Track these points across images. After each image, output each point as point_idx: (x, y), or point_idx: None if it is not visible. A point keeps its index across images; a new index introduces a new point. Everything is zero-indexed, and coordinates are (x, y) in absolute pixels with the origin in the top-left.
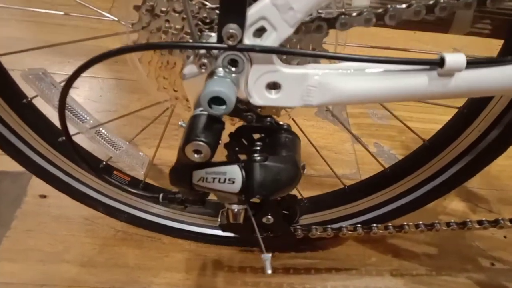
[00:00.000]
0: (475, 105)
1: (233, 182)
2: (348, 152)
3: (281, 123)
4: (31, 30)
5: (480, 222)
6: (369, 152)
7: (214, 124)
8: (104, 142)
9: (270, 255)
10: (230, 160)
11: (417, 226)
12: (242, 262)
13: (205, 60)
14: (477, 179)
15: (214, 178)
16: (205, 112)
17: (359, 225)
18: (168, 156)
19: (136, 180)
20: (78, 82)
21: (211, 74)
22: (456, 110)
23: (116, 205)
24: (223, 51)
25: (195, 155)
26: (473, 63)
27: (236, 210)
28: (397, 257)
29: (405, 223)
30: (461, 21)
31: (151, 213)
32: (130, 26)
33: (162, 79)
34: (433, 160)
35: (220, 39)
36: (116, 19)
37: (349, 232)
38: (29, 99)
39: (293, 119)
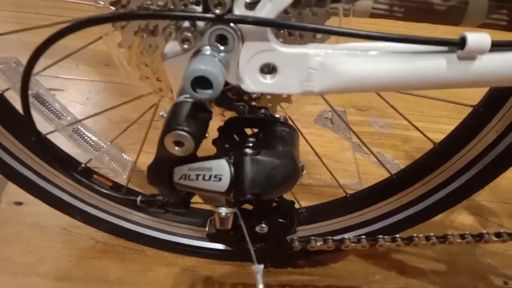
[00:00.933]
0: (492, 102)
1: (220, 180)
2: (349, 161)
3: (277, 115)
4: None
5: (498, 235)
6: (376, 157)
7: (200, 112)
8: (83, 141)
9: (262, 266)
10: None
11: (427, 238)
12: (234, 278)
13: (188, 34)
14: (486, 192)
15: (197, 175)
16: (190, 99)
17: (363, 237)
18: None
19: (118, 185)
20: (65, 84)
21: (196, 53)
22: (471, 109)
23: (96, 212)
24: (210, 24)
25: (176, 148)
26: (499, 45)
27: (223, 214)
28: (403, 274)
29: (415, 234)
30: (475, 11)
31: (134, 222)
32: (108, 6)
33: (144, 66)
34: (445, 165)
35: (206, 8)
36: (92, 3)
37: (353, 244)
38: (0, 92)
39: (289, 117)
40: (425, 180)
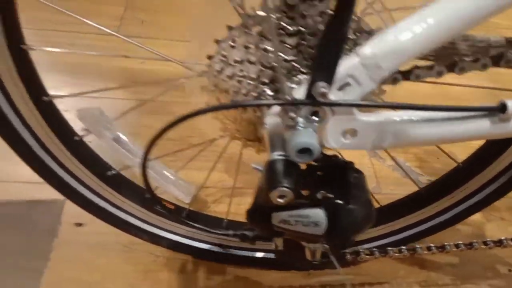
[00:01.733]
0: None
1: (317, 225)
2: (367, 166)
3: (345, 160)
4: None
5: None
6: (401, 167)
7: (293, 168)
8: (154, 174)
9: None
10: (307, 202)
11: (457, 246)
12: (281, 281)
13: (293, 115)
14: None
15: (297, 221)
16: (282, 157)
17: (404, 247)
18: (199, 177)
19: (180, 208)
20: (94, 103)
21: (293, 125)
22: None
23: (161, 232)
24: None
25: (279, 200)
26: None
27: (313, 248)
28: (424, 268)
29: (446, 243)
30: None
31: (195, 239)
32: (197, 70)
33: (227, 121)
34: (469, 182)
35: (309, 95)
36: (180, 62)
37: (396, 255)
38: (81, 136)
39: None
40: (450, 195)
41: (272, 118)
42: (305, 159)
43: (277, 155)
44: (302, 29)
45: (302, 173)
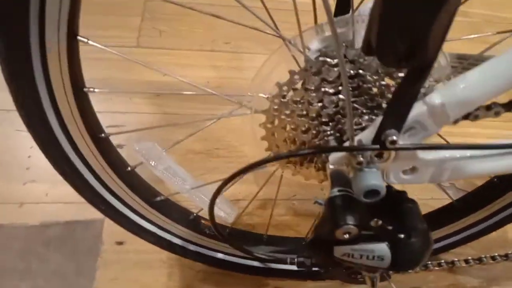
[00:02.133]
0: None
1: (382, 260)
2: None
3: (399, 190)
4: None
5: None
6: (440, 187)
7: (354, 203)
8: (203, 197)
9: None
10: (370, 236)
11: (493, 258)
12: None
13: (361, 159)
14: None
15: (361, 255)
16: (343, 192)
17: (442, 261)
18: (232, 190)
19: (221, 227)
20: (122, 119)
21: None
22: None
23: (205, 251)
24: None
25: (345, 236)
26: None
27: (373, 277)
28: (452, 272)
29: (483, 255)
30: None
31: (238, 256)
32: (254, 106)
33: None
34: (504, 196)
35: (377, 140)
36: (236, 101)
37: (436, 268)
38: (132, 167)
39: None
40: (485, 208)
41: (336, 157)
42: (371, 199)
43: (338, 190)
44: (362, 72)
45: (363, 207)
